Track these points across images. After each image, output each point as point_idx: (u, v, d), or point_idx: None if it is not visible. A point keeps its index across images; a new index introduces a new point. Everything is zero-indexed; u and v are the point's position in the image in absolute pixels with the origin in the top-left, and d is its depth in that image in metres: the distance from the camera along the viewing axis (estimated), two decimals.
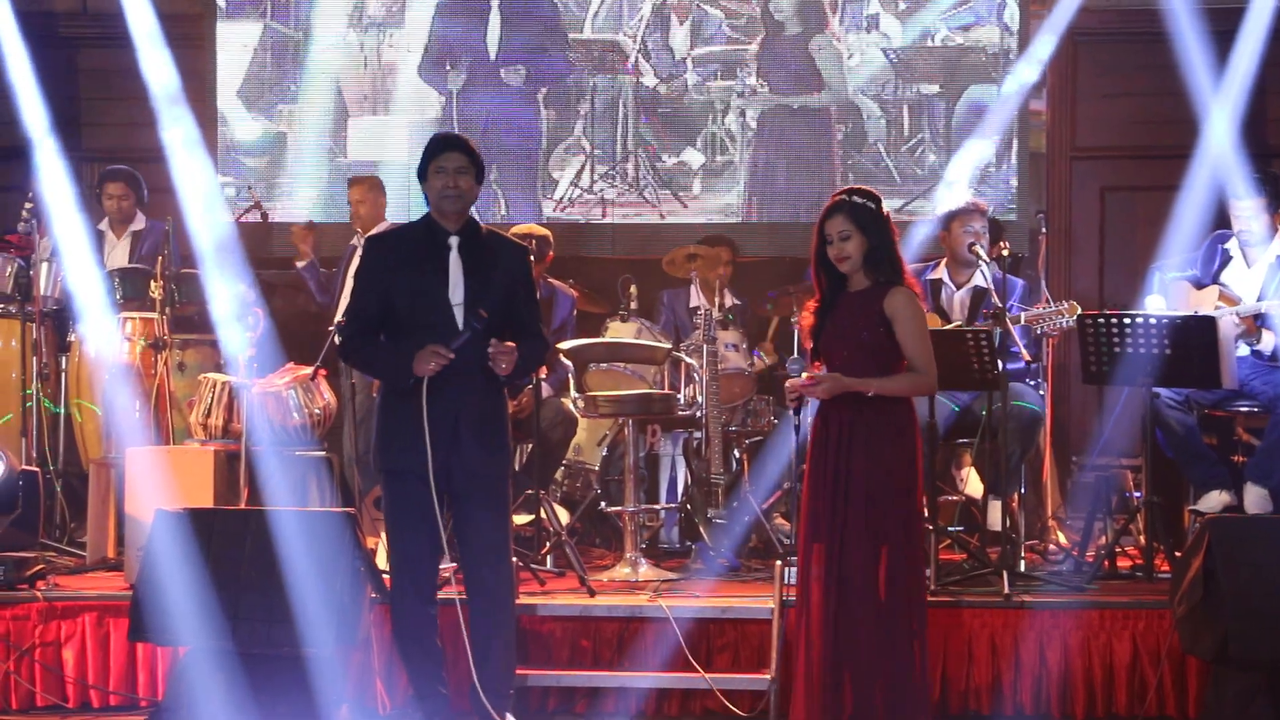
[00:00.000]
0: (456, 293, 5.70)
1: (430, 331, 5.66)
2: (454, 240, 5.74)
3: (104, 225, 9.04)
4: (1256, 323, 7.07)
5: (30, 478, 7.31)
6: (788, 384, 5.53)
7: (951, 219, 7.48)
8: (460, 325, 5.68)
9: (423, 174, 5.77)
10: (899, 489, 5.47)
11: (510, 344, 5.67)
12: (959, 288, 7.51)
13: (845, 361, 5.48)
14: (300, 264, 8.93)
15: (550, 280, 8.34)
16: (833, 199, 5.58)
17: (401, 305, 5.73)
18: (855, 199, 5.51)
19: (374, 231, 7.92)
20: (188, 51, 9.83)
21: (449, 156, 5.73)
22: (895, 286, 5.50)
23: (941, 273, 7.55)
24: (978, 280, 7.32)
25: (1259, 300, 7.17)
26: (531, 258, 6.79)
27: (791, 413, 5.61)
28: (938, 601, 6.35)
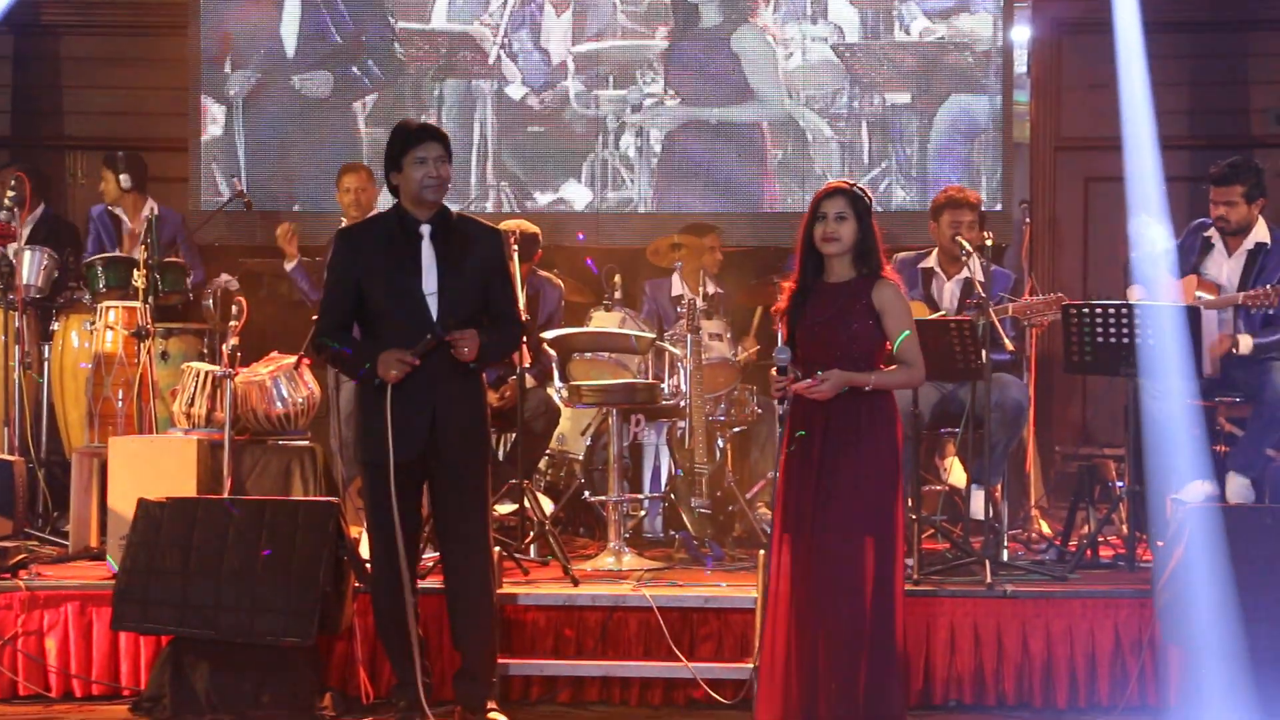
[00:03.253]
0: (430, 282, 5.69)
1: (404, 322, 5.65)
2: (425, 229, 5.73)
3: (119, 209, 9.01)
4: (1234, 327, 7.11)
5: (12, 467, 7.32)
6: (792, 386, 5.47)
7: (940, 211, 7.48)
8: (435, 315, 5.66)
9: (396, 164, 5.73)
10: (884, 479, 5.47)
11: (471, 330, 5.65)
12: (949, 278, 7.52)
13: (832, 352, 5.47)
14: (289, 266, 8.86)
15: (539, 273, 8.33)
16: (831, 184, 5.59)
17: (375, 297, 5.71)
18: (856, 189, 5.54)
19: (346, 226, 7.89)
20: (171, 39, 9.80)
21: (429, 146, 5.71)
22: (880, 279, 5.51)
23: (932, 262, 7.56)
24: (968, 271, 7.33)
25: (1238, 290, 7.20)
26: (515, 244, 6.79)
27: (776, 403, 5.59)
28: (921, 590, 6.37)
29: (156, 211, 8.81)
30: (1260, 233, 7.28)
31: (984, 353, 6.76)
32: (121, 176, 8.93)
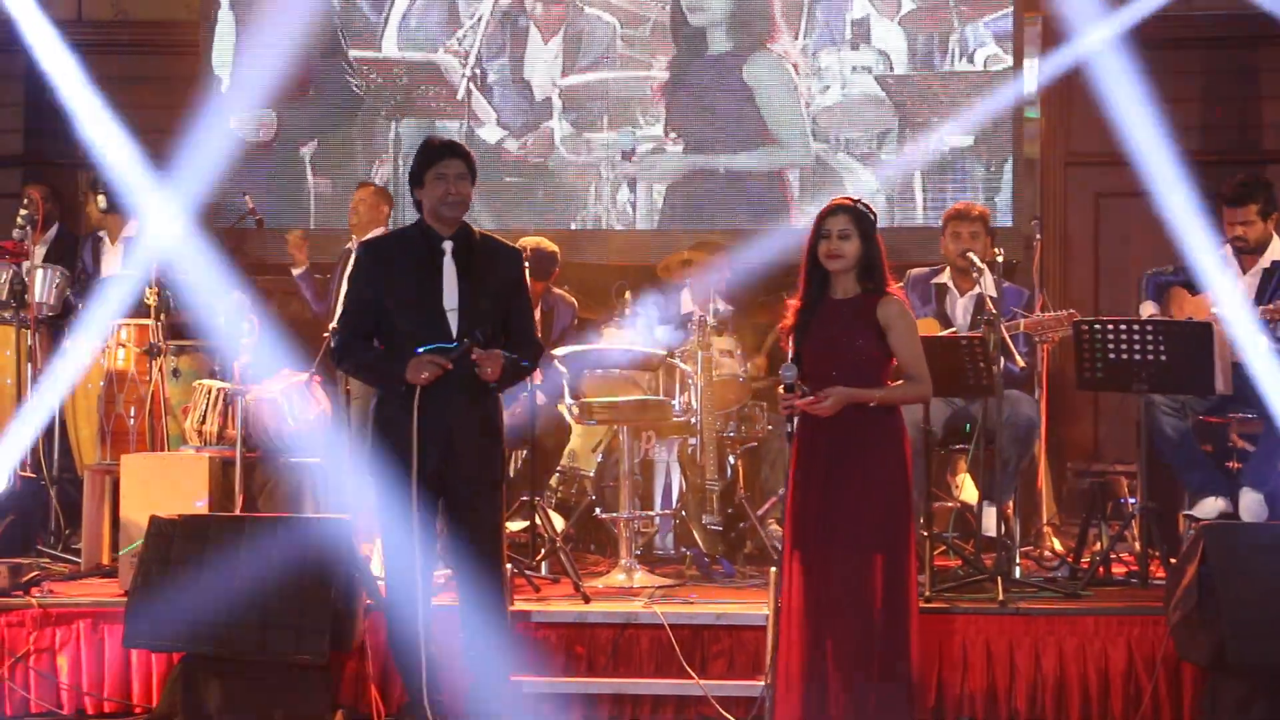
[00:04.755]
0: (450, 298, 5.70)
1: (423, 337, 5.65)
2: (448, 245, 5.75)
3: (102, 232, 9.02)
4: None
5: (26, 484, 7.32)
6: (796, 403, 5.45)
7: (945, 225, 7.47)
8: (454, 331, 5.67)
9: (418, 179, 5.77)
10: (892, 496, 5.47)
11: (496, 350, 5.66)
12: (962, 294, 7.52)
13: (837, 369, 5.47)
14: (296, 271, 8.93)
15: (553, 290, 8.33)
16: (834, 201, 5.60)
17: (395, 311, 5.72)
18: (860, 205, 5.54)
19: (367, 237, 7.91)
20: (185, 59, 9.82)
21: (450, 163, 5.73)
22: (885, 295, 5.52)
23: (945, 278, 7.55)
24: (980, 288, 7.32)
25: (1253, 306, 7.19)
26: (528, 264, 6.81)
27: (786, 421, 5.60)
28: (933, 608, 6.36)
29: (137, 232, 8.83)
30: (1276, 251, 7.26)
31: (995, 369, 6.75)
32: (99, 199, 8.93)
